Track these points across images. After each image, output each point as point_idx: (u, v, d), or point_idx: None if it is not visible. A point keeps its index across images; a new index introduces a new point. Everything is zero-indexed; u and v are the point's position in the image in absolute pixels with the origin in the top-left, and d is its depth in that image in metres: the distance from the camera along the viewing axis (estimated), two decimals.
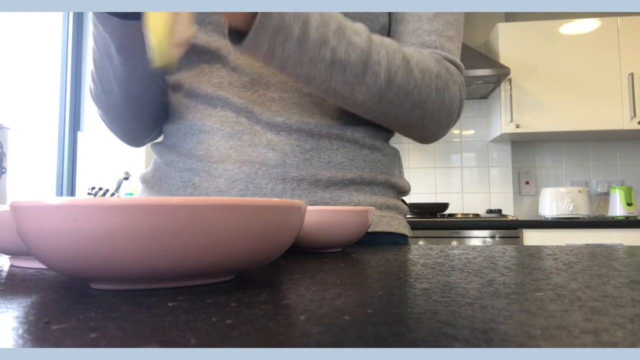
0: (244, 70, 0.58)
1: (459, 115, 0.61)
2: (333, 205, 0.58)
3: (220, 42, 0.59)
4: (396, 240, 0.64)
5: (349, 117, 0.61)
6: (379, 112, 0.55)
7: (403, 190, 0.68)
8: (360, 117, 0.62)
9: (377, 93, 0.52)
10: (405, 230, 0.66)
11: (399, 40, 0.61)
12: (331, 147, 0.59)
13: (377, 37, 0.52)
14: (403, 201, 0.71)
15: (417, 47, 0.59)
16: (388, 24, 0.62)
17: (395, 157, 0.68)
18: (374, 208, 0.49)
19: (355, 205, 0.59)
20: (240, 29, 0.47)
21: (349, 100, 0.52)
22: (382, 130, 0.65)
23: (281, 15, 0.45)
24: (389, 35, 0.64)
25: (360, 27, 0.51)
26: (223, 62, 0.59)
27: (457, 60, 0.61)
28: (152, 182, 0.64)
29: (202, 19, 0.59)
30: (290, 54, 0.46)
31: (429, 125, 0.58)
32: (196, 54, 0.60)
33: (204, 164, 0.58)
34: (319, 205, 0.57)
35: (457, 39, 0.62)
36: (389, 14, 0.62)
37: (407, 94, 0.54)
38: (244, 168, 0.56)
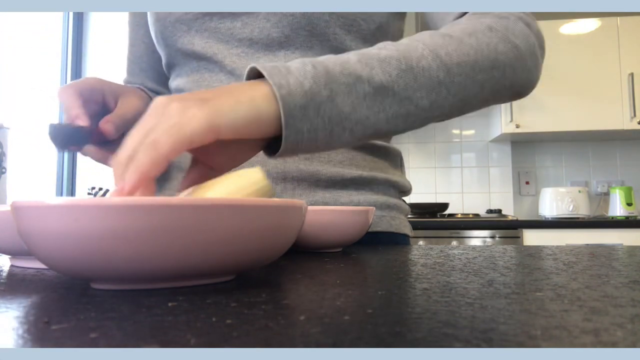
0: (240, 74, 0.59)
1: (543, 50, 0.52)
2: (333, 205, 0.58)
3: (217, 48, 0.60)
4: (397, 240, 0.64)
5: None
6: (453, 103, 0.44)
7: (404, 190, 0.68)
8: None
9: (439, 86, 0.42)
10: (406, 230, 0.66)
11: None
12: None
13: (404, 39, 0.44)
14: (403, 201, 0.71)
15: None
16: (386, 24, 0.62)
17: (396, 156, 0.68)
18: (374, 208, 0.49)
19: (356, 205, 0.59)
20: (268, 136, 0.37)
21: (415, 113, 0.42)
22: None
23: (298, 89, 0.36)
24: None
25: (379, 45, 0.43)
26: (220, 67, 0.60)
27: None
28: None
29: (200, 26, 0.59)
30: (331, 115, 0.38)
31: (520, 77, 0.49)
32: (195, 60, 0.61)
33: None
34: (319, 205, 0.57)
35: None
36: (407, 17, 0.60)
37: (473, 65, 0.44)
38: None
